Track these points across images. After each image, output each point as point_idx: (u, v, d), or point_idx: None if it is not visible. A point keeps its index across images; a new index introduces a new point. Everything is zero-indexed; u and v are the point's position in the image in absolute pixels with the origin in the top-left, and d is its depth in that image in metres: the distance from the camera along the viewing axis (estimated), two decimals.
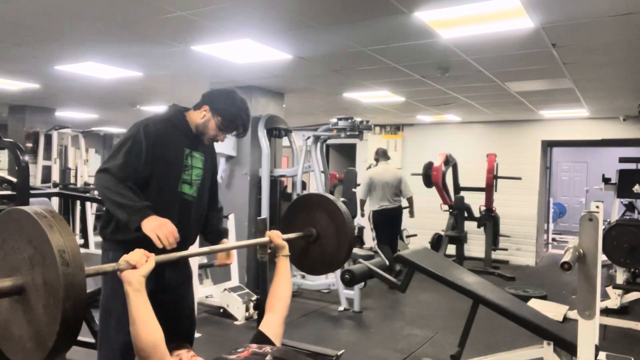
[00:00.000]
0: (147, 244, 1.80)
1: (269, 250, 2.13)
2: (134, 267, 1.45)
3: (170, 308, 2.13)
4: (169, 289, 2.23)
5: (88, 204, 7.07)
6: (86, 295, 1.17)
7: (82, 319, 1.16)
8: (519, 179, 7.38)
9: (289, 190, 5.95)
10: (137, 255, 1.47)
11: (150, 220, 1.97)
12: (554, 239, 10.46)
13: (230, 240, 5.13)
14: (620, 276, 5.20)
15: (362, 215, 6.55)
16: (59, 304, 1.10)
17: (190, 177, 2.24)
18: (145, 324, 1.44)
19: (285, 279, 2.00)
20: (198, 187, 2.29)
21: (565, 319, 4.78)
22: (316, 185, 5.53)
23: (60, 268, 1.11)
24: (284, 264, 2.02)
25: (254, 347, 1.67)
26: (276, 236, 2.03)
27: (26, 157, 3.19)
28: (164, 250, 1.89)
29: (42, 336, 1.15)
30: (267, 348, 1.67)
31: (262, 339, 1.79)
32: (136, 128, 2.14)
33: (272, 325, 1.85)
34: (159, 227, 1.96)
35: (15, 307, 1.20)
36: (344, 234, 2.14)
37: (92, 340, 2.88)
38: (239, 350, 1.65)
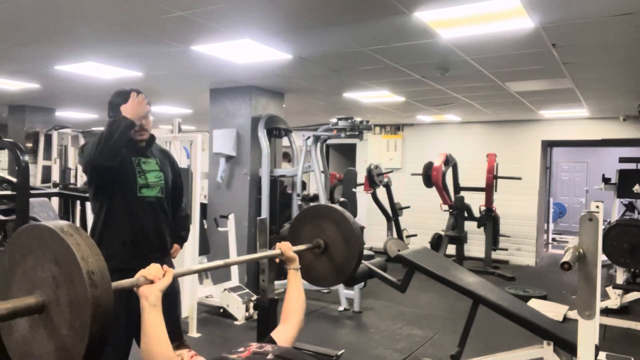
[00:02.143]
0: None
1: (277, 260, 2.11)
2: (152, 282, 1.44)
3: None
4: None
5: (88, 204, 7.05)
6: (112, 316, 1.13)
7: (108, 340, 1.13)
8: (519, 179, 7.37)
9: (289, 190, 5.95)
10: (155, 270, 1.45)
11: (125, 110, 2.31)
12: (554, 239, 10.46)
13: (230, 241, 5.17)
14: (620, 276, 5.20)
15: None
16: (86, 326, 1.07)
17: (147, 180, 2.50)
18: (159, 341, 1.43)
19: (297, 293, 1.97)
20: (161, 188, 2.55)
21: (565, 319, 4.78)
22: (316, 185, 5.53)
23: (88, 290, 1.07)
24: (295, 278, 1.99)
25: (254, 346, 1.67)
26: (287, 248, 2.00)
27: (26, 157, 3.18)
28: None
29: (65, 357, 1.11)
30: (268, 347, 1.66)
31: (267, 341, 1.78)
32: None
33: (284, 338, 1.83)
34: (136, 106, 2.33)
35: (35, 326, 1.16)
36: (354, 244, 2.12)
37: None
38: (239, 349, 1.64)
